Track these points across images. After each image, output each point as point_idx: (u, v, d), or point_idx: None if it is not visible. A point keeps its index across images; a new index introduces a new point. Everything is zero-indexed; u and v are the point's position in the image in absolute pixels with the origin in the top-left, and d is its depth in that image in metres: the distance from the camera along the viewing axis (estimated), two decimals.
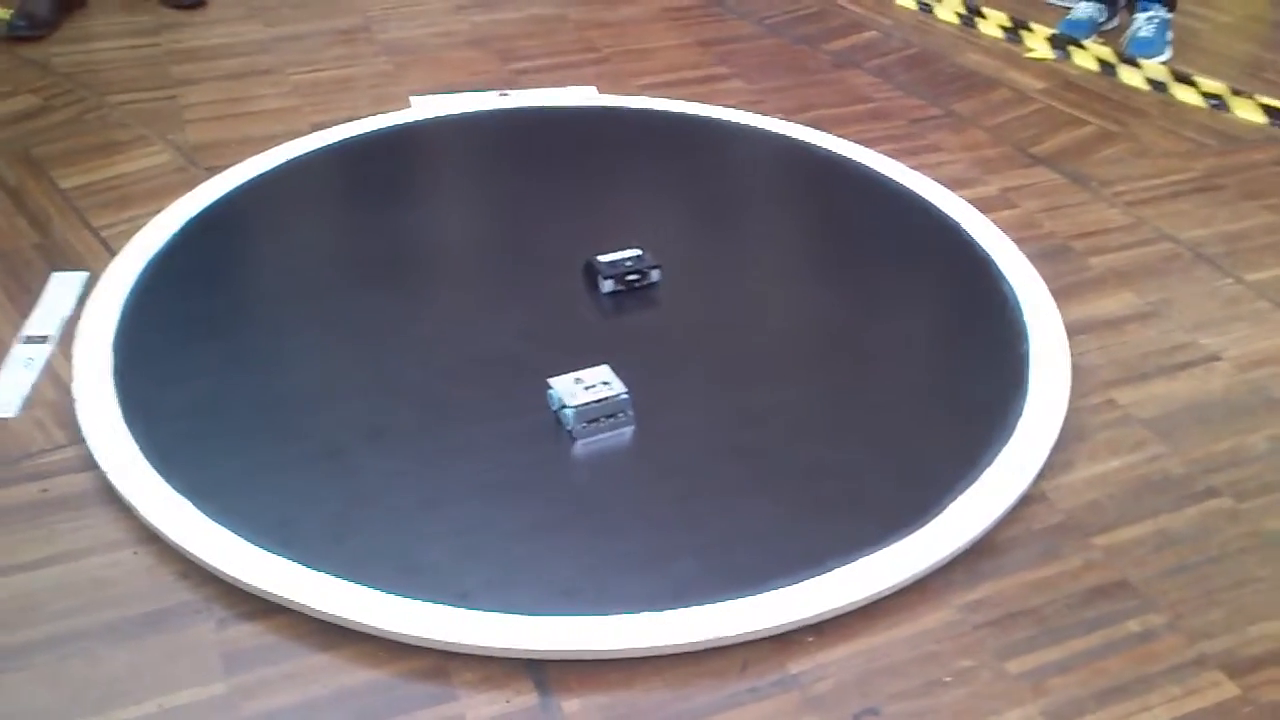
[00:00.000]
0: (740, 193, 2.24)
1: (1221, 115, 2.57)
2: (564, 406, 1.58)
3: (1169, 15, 2.83)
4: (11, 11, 2.79)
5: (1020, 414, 1.64)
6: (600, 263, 1.87)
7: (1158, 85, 2.67)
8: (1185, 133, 2.50)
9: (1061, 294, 1.92)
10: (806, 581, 1.36)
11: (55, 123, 2.40)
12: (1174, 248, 2.09)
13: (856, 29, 2.98)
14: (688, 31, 2.95)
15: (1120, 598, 1.40)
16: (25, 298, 1.87)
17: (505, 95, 2.55)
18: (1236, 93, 2.60)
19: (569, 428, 1.58)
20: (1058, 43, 2.85)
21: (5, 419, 1.63)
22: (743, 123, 2.44)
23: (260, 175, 2.19)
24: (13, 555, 1.42)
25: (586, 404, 1.58)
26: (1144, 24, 2.80)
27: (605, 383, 1.62)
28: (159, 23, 2.88)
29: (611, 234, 2.02)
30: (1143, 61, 2.72)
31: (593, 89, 2.60)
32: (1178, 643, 1.34)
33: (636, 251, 1.89)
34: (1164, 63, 2.74)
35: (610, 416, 1.59)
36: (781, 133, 2.41)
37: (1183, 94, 2.64)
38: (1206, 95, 2.62)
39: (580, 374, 1.63)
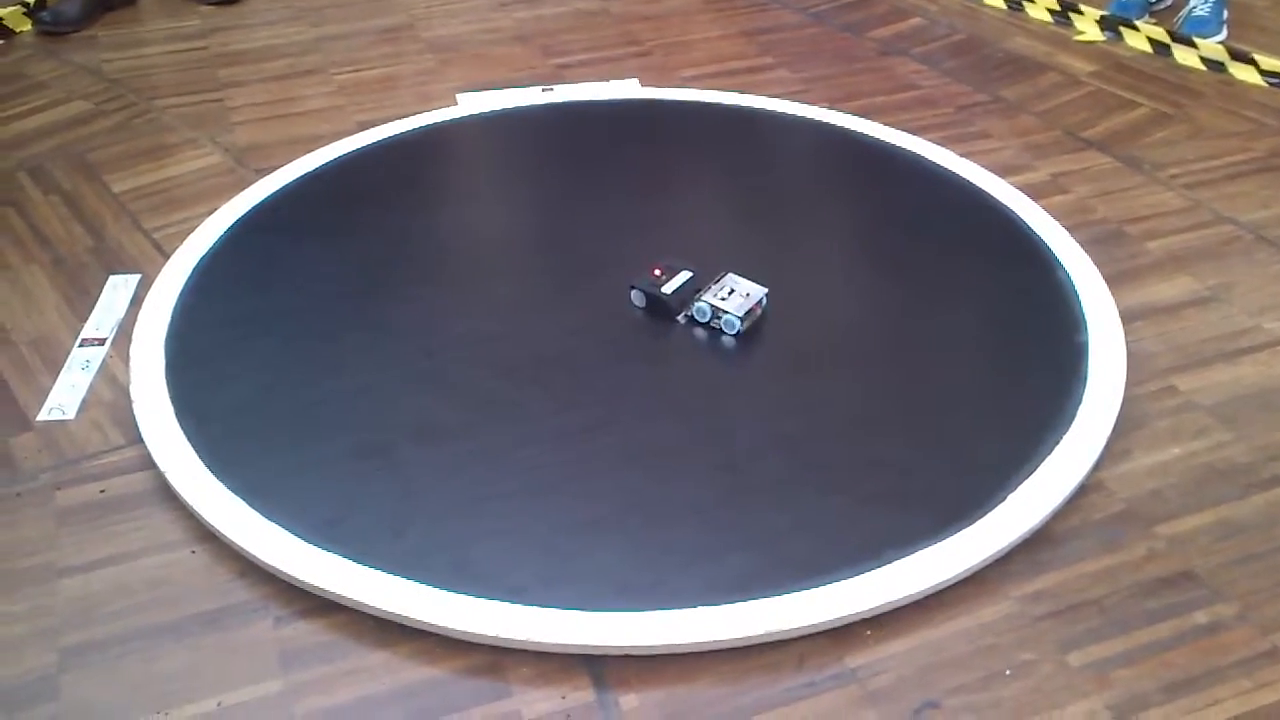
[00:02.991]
0: (788, 183, 2.22)
1: None
2: (722, 314, 1.72)
3: None
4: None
5: (1077, 403, 1.61)
6: (669, 295, 1.78)
7: (1214, 65, 2.62)
8: (1244, 112, 2.44)
9: (1116, 280, 1.89)
10: (864, 574, 1.35)
11: (107, 127, 2.44)
12: (1234, 230, 2.05)
13: (902, 16, 2.95)
14: (731, 22, 2.92)
15: (1185, 588, 1.37)
16: (82, 301, 1.90)
17: (549, 90, 2.54)
18: None
19: (734, 331, 1.72)
20: (1108, 24, 2.80)
21: (64, 421, 1.65)
22: (788, 112, 2.42)
23: (308, 175, 2.20)
24: (72, 556, 1.43)
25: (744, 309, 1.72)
26: (1200, 3, 2.74)
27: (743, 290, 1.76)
28: (205, 26, 2.91)
29: (659, 227, 2.01)
30: (1198, 40, 2.66)
31: (635, 82, 2.59)
32: (1248, 634, 1.31)
33: (689, 274, 1.81)
34: (1220, 43, 2.68)
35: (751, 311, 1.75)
36: (828, 122, 2.38)
37: (1241, 73, 2.58)
38: (1266, 73, 2.55)
39: (714, 288, 1.76)
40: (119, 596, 1.38)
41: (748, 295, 1.75)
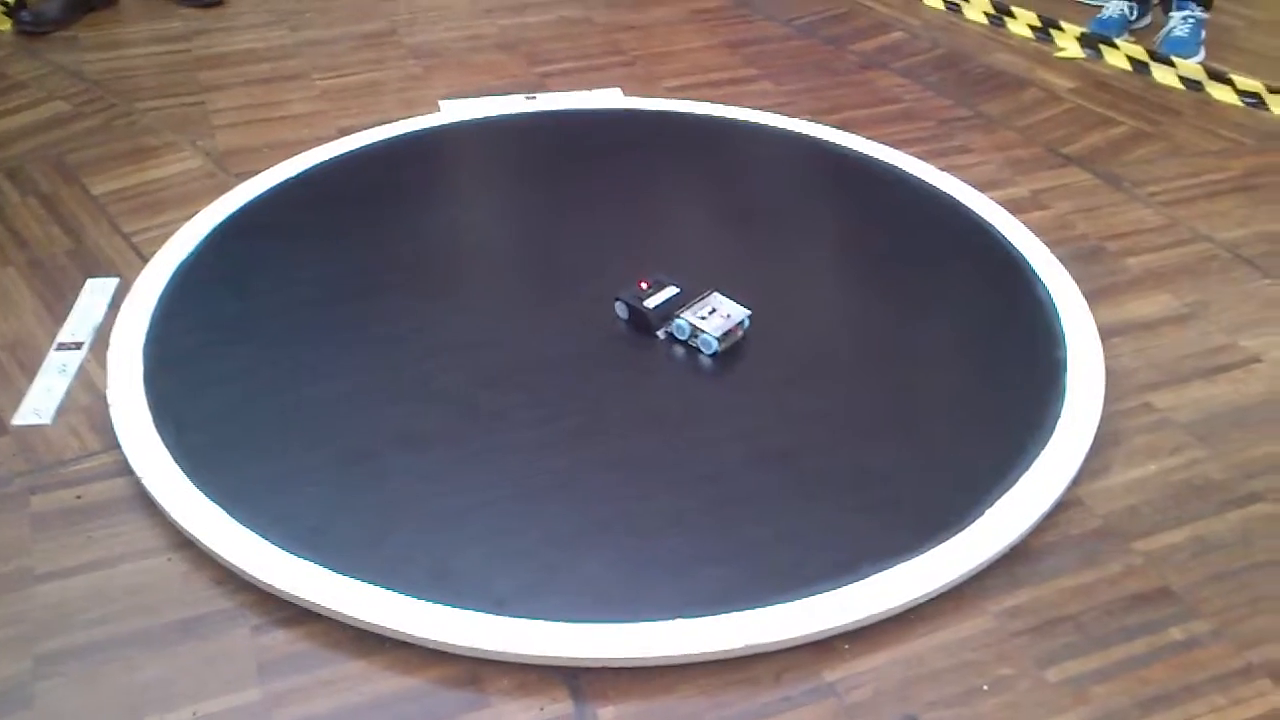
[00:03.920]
0: (771, 197, 2.23)
1: (1258, 113, 2.54)
2: (700, 333, 1.72)
3: (1204, 15, 2.79)
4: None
5: (1056, 418, 1.62)
6: (651, 310, 1.77)
7: (1192, 84, 2.64)
8: (1221, 131, 2.47)
9: (1095, 296, 1.90)
10: (843, 588, 1.35)
11: (86, 129, 2.42)
12: (1211, 248, 2.07)
13: (884, 30, 2.96)
14: (715, 33, 2.93)
15: (1162, 604, 1.38)
16: (60, 305, 1.88)
17: (532, 99, 2.55)
18: (1274, 90, 2.56)
19: (711, 351, 1.72)
20: (1088, 42, 2.82)
21: (41, 426, 1.64)
22: (769, 124, 2.43)
23: (289, 180, 2.19)
24: (48, 562, 1.42)
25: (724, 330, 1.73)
26: (1179, 23, 2.77)
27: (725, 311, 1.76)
28: (187, 29, 2.90)
29: (641, 240, 2.02)
30: (1177, 60, 2.68)
31: (618, 91, 2.59)
32: (1223, 651, 1.32)
33: (675, 290, 1.80)
34: (1198, 63, 2.71)
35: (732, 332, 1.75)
36: (809, 134, 2.39)
37: (1218, 92, 2.61)
38: (1243, 93, 2.58)
39: (696, 306, 1.75)
40: (95, 603, 1.37)
41: (728, 316, 1.74)
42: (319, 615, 1.34)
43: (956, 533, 1.43)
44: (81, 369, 1.75)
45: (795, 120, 2.45)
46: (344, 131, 2.39)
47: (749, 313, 1.76)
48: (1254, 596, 1.39)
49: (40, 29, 2.83)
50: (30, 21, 2.84)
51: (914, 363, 1.76)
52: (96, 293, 1.91)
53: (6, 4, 2.88)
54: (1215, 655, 1.32)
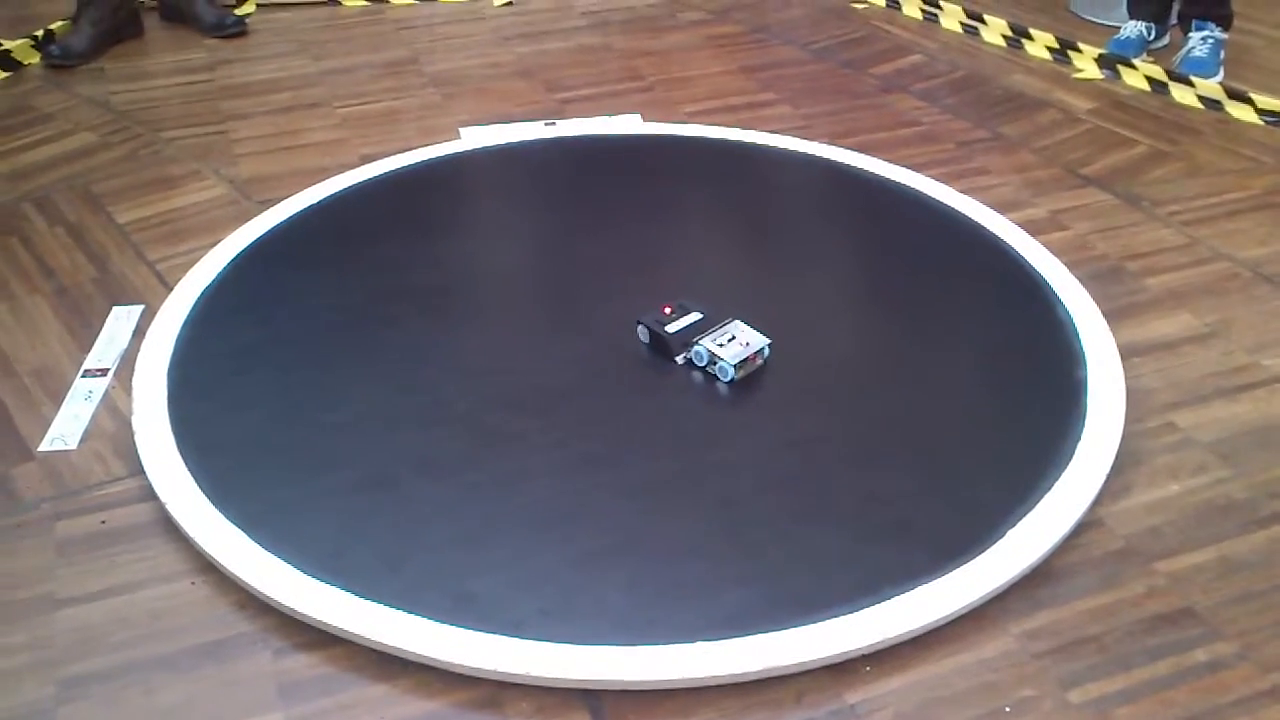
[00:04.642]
0: (789, 218, 2.23)
1: (1278, 132, 2.53)
2: (718, 360, 1.72)
3: (1224, 36, 2.79)
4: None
5: (1077, 439, 1.61)
6: (671, 335, 1.78)
7: (1211, 103, 2.64)
8: (1241, 150, 2.46)
9: (1115, 316, 1.90)
10: (863, 610, 1.35)
11: (112, 159, 2.45)
12: (1232, 267, 2.06)
13: (902, 53, 2.97)
14: (732, 58, 2.95)
15: (1185, 625, 1.37)
16: (86, 332, 1.91)
17: (552, 125, 2.56)
18: None
19: (728, 378, 1.71)
20: (1106, 62, 2.82)
21: (66, 451, 1.65)
22: (788, 148, 2.44)
23: (311, 207, 2.21)
24: (73, 587, 1.43)
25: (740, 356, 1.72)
26: (1198, 44, 2.77)
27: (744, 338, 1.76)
28: (210, 59, 2.94)
29: (663, 265, 2.02)
30: (1196, 79, 2.68)
31: (637, 117, 2.61)
32: (1248, 673, 1.31)
33: (698, 315, 1.80)
34: (1217, 83, 2.70)
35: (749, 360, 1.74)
36: (828, 157, 2.40)
37: (1238, 111, 2.60)
38: (1262, 112, 2.58)
39: (716, 333, 1.76)
40: (118, 628, 1.38)
41: (747, 344, 1.74)
42: (340, 639, 1.35)
43: (977, 553, 1.43)
44: (107, 395, 1.76)
45: (814, 144, 2.46)
46: (365, 159, 2.41)
47: (768, 341, 1.76)
48: (1279, 618, 1.38)
49: (68, 62, 2.88)
50: (58, 55, 2.88)
51: (935, 385, 1.75)
52: (122, 320, 1.93)
53: (35, 38, 2.93)
54: (1241, 677, 1.30)
